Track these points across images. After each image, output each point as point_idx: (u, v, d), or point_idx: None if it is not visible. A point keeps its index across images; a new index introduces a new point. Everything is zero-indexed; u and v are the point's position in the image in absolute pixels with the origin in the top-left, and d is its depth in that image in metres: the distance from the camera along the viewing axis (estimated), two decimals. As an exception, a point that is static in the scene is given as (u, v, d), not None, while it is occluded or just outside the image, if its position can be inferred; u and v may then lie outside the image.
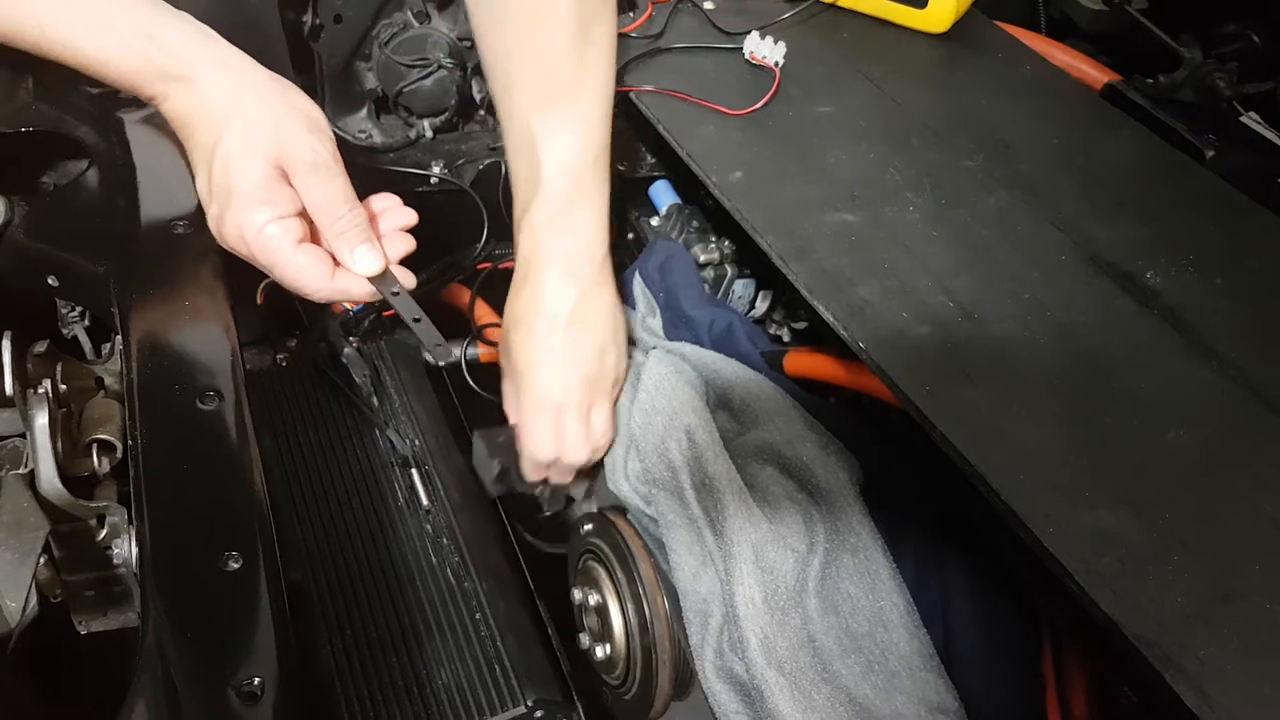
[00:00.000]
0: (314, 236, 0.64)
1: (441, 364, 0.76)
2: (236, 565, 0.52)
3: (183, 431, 0.58)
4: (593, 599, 0.90)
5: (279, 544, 0.78)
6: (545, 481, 0.86)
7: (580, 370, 0.80)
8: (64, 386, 0.59)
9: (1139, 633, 0.53)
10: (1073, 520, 0.59)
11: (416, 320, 0.70)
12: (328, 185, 0.62)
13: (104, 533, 0.55)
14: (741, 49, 0.98)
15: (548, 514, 0.91)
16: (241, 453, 0.58)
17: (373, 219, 0.68)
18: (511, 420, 0.84)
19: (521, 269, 0.80)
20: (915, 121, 0.91)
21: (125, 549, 0.54)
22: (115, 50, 0.58)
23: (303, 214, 0.62)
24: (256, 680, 0.48)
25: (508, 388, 0.85)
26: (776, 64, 0.95)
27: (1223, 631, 0.53)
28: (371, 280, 0.65)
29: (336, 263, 0.65)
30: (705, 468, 0.77)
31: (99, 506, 0.55)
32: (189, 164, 0.63)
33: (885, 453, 0.85)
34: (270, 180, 0.60)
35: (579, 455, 0.82)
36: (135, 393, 0.59)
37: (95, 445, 0.58)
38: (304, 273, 0.62)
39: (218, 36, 0.61)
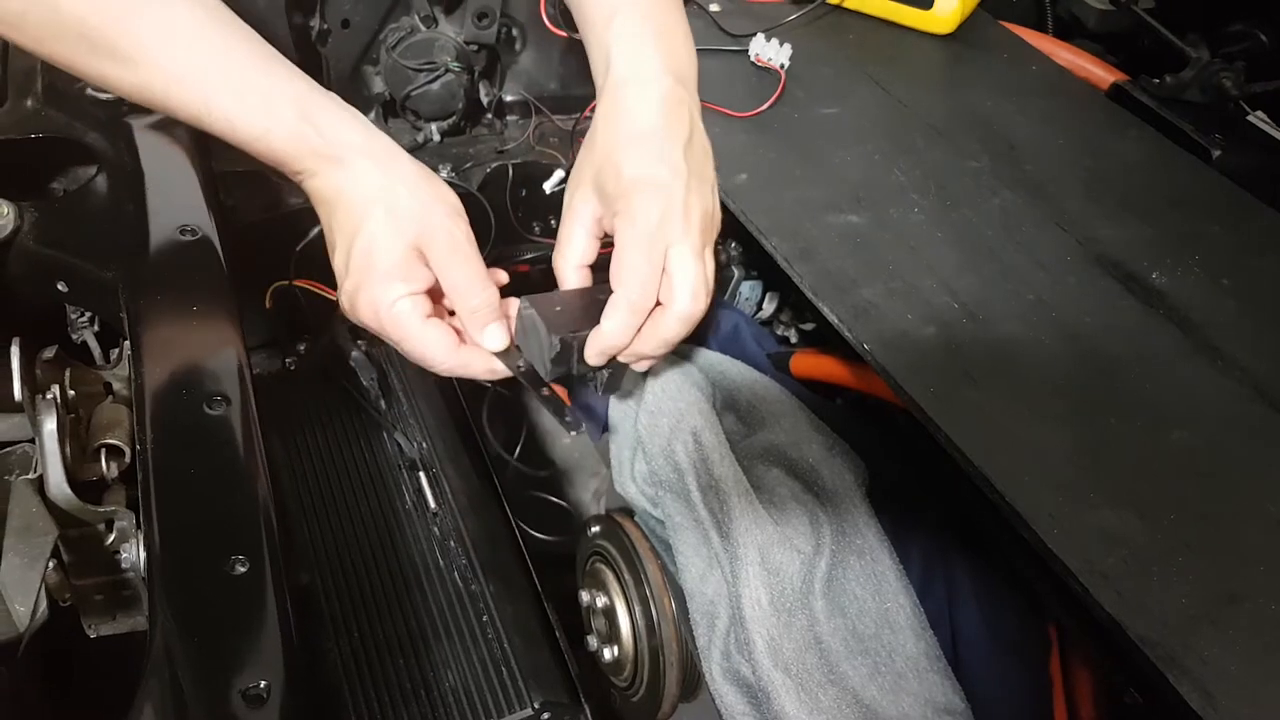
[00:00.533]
0: (437, 312, 0.67)
1: (573, 434, 0.73)
2: (243, 569, 0.52)
3: (190, 436, 0.58)
4: (600, 601, 0.91)
5: (288, 546, 0.79)
6: (612, 361, 0.69)
7: (706, 202, 0.65)
8: (72, 392, 0.60)
9: (1143, 633, 0.53)
10: (1076, 521, 0.59)
11: (545, 395, 0.71)
12: (465, 268, 0.64)
13: (112, 537, 0.56)
14: (747, 51, 0.98)
15: (600, 396, 0.82)
16: (249, 457, 0.58)
17: None
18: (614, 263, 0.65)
19: (622, 85, 0.66)
20: (920, 122, 0.91)
21: (133, 553, 0.55)
22: (276, 130, 0.60)
23: (431, 291, 0.65)
24: (263, 683, 0.48)
25: (600, 219, 0.68)
26: (782, 66, 0.96)
27: (1227, 632, 0.53)
28: (499, 355, 0.68)
29: (460, 337, 0.67)
30: (711, 469, 0.77)
31: (107, 511, 0.56)
32: (326, 239, 0.66)
33: (891, 454, 0.85)
34: (408, 260, 0.62)
35: (701, 302, 0.64)
36: (143, 398, 0.59)
37: (104, 450, 0.59)
38: (431, 346, 0.64)
39: (368, 122, 0.64)
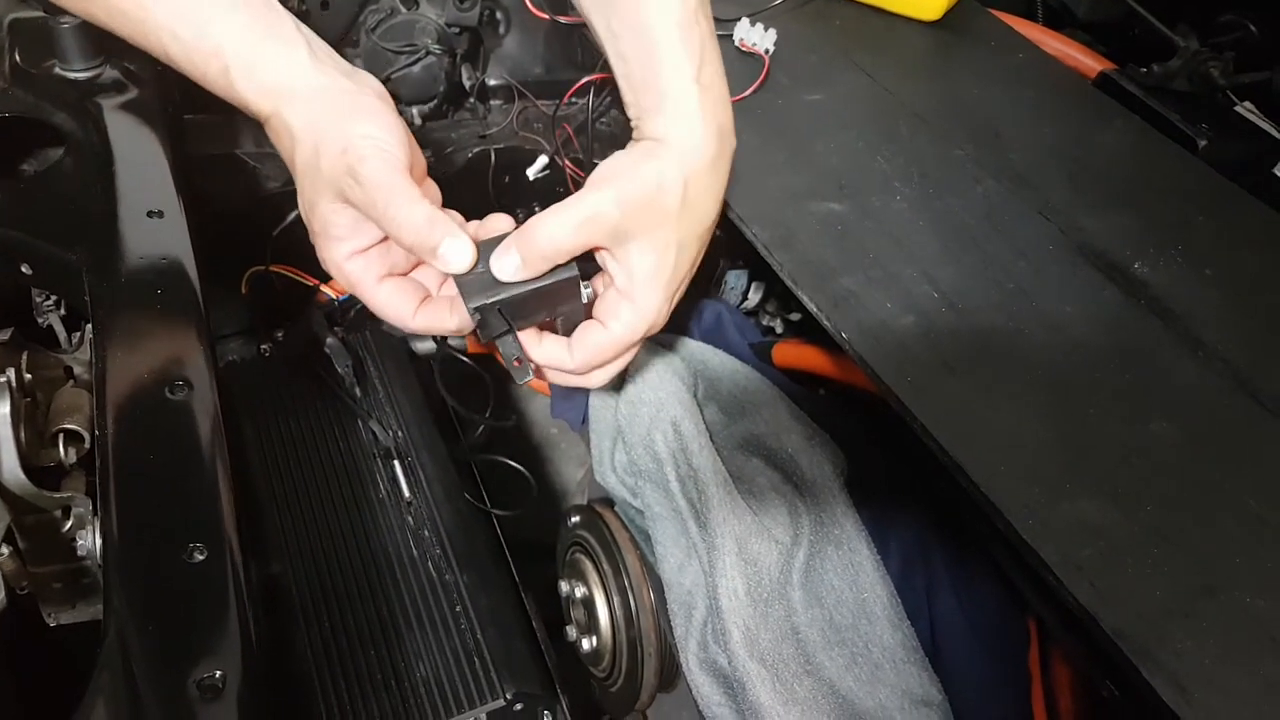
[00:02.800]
0: (412, 265, 0.62)
1: (521, 383, 0.65)
2: (201, 557, 0.51)
3: (151, 422, 0.57)
4: (579, 591, 0.90)
5: (258, 535, 0.78)
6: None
7: (696, 259, 0.62)
8: (29, 376, 0.58)
9: (1117, 626, 0.52)
10: (1052, 512, 0.58)
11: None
12: (390, 205, 0.55)
13: (69, 524, 0.55)
14: (731, 36, 0.96)
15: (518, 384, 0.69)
16: (211, 443, 0.57)
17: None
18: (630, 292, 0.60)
19: (672, 142, 0.58)
20: (905, 110, 0.90)
21: (90, 540, 0.54)
22: (213, 78, 0.57)
23: (387, 241, 0.59)
24: (218, 673, 0.47)
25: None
26: (766, 51, 0.94)
27: (1202, 625, 0.53)
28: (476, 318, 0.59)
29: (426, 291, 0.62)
30: (690, 459, 0.76)
31: (63, 497, 0.55)
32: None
33: (872, 445, 0.84)
34: (340, 216, 0.57)
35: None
36: (103, 382, 0.58)
37: (62, 435, 0.58)
38: (391, 308, 0.60)
39: (304, 56, 0.57)
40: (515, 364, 0.60)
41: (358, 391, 0.87)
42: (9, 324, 0.70)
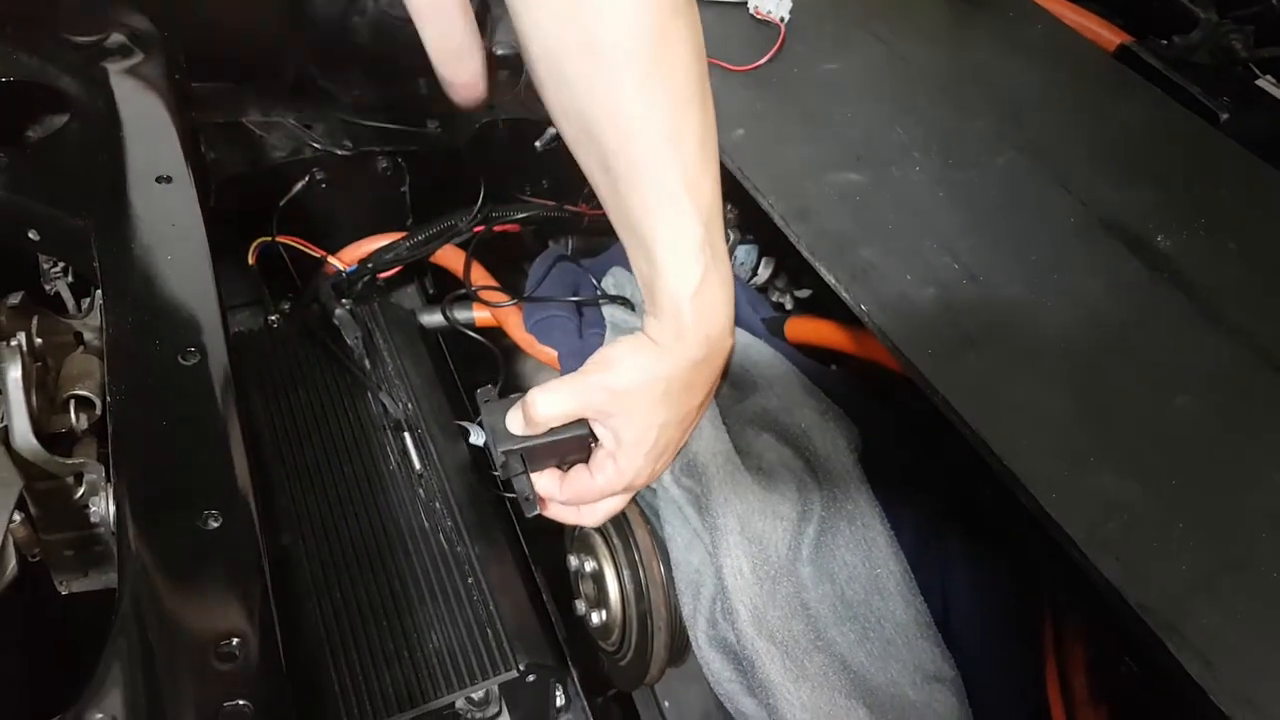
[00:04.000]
0: None
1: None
2: (216, 524, 0.51)
3: (163, 388, 0.56)
4: (589, 565, 0.89)
5: (268, 508, 0.78)
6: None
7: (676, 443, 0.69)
8: (39, 341, 0.57)
9: (1142, 601, 0.52)
10: (1076, 486, 0.57)
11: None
12: None
13: (81, 491, 0.54)
14: (746, 3, 0.95)
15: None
16: (223, 409, 0.56)
17: None
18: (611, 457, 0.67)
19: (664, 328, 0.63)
20: (924, 80, 0.88)
21: (102, 507, 0.53)
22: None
23: None
24: (235, 641, 0.46)
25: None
26: (782, 19, 0.93)
27: (1227, 600, 0.52)
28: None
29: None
30: (690, 442, 0.76)
31: (75, 464, 0.54)
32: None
33: (886, 420, 0.83)
34: None
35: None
36: (114, 348, 0.57)
37: (73, 401, 0.57)
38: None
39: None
40: (525, 500, 0.67)
41: (367, 364, 0.86)
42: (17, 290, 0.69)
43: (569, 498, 0.67)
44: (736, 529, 0.72)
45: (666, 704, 0.98)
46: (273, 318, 0.93)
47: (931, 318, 0.68)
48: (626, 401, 0.62)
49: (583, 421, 0.64)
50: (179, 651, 0.46)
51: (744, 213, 1.02)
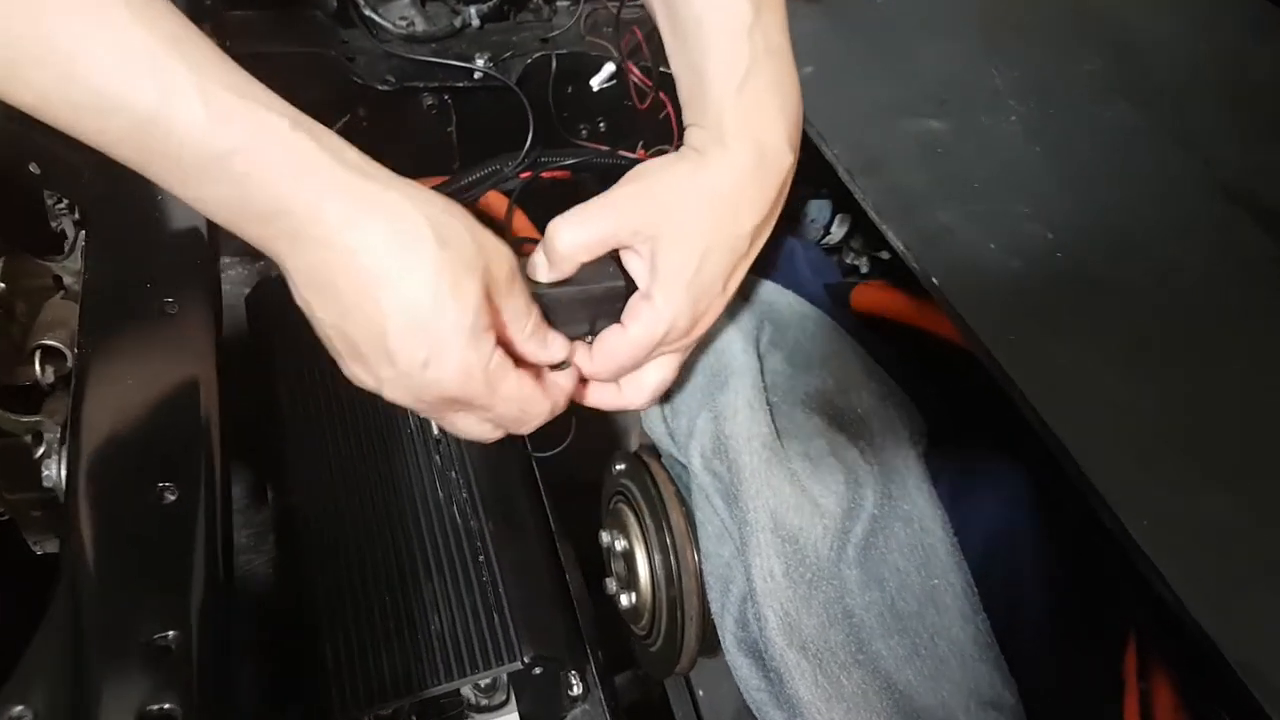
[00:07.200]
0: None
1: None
2: (173, 498, 0.46)
3: (137, 341, 0.51)
4: (619, 544, 0.83)
5: (280, 463, 0.73)
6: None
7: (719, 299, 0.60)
8: (2, 285, 0.53)
9: (1245, 660, 0.42)
10: (1172, 510, 0.47)
11: None
12: (522, 292, 0.52)
13: (41, 450, 0.50)
14: (824, -74, 0.84)
15: None
16: (200, 371, 0.51)
17: None
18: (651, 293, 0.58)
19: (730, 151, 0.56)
20: (1026, 15, 0.76)
21: (55, 471, 0.49)
22: (260, 142, 0.43)
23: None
24: (171, 634, 0.41)
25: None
26: (865, -55, 0.82)
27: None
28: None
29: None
30: (722, 426, 0.68)
31: (30, 421, 0.49)
32: (327, 306, 0.48)
33: (960, 409, 0.73)
34: (485, 303, 0.49)
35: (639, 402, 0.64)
36: (90, 294, 0.52)
37: (39, 352, 0.53)
38: (534, 397, 0.54)
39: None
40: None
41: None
42: (23, 229, 0.65)
43: (601, 365, 0.58)
44: (768, 525, 0.64)
45: (701, 693, 0.92)
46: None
47: (1015, 295, 0.58)
48: (664, 216, 0.54)
49: (615, 269, 0.56)
50: (109, 641, 0.41)
51: (816, 161, 0.92)
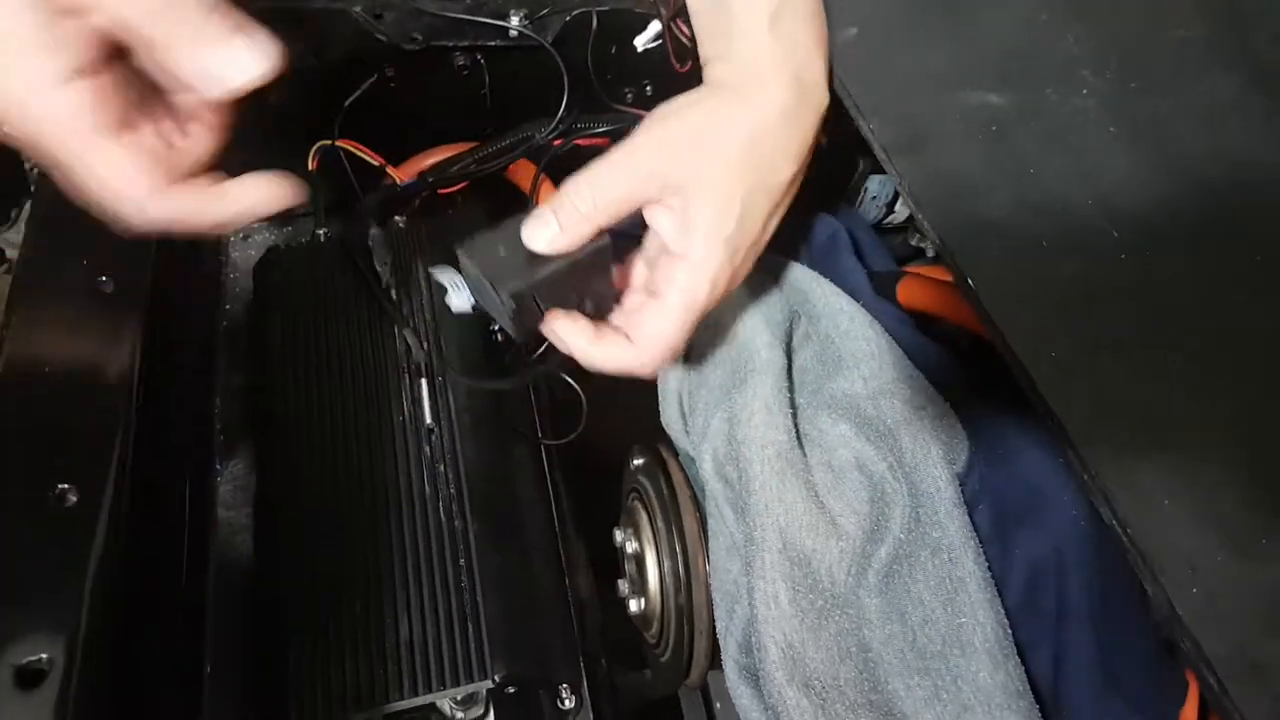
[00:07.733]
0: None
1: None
2: (74, 499, 0.42)
3: (60, 320, 0.47)
4: (631, 545, 0.77)
5: (265, 439, 0.70)
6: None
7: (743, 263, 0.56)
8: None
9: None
10: (1232, 581, 0.39)
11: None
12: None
13: (-44, 439, 0.46)
14: None
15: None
16: (124, 357, 0.47)
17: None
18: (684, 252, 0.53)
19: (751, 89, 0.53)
20: (1116, -29, 0.65)
21: (-47, 460, 0.45)
22: None
23: (110, 81, 0.39)
24: (45, 657, 0.37)
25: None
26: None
27: None
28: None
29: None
30: (736, 429, 0.61)
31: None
32: None
33: (1008, 425, 0.64)
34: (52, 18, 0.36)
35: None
36: (25, 267, 0.48)
37: (-40, 330, 0.49)
38: (123, 171, 0.38)
39: None
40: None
41: (393, 293, 0.75)
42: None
43: (650, 353, 0.52)
44: (776, 545, 0.57)
45: (719, 706, 0.86)
46: (321, 230, 0.84)
47: (1066, 301, 0.49)
48: (695, 162, 0.49)
49: (602, 233, 0.51)
50: (-21, 661, 0.38)
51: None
